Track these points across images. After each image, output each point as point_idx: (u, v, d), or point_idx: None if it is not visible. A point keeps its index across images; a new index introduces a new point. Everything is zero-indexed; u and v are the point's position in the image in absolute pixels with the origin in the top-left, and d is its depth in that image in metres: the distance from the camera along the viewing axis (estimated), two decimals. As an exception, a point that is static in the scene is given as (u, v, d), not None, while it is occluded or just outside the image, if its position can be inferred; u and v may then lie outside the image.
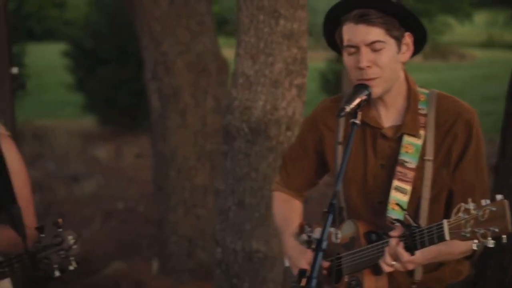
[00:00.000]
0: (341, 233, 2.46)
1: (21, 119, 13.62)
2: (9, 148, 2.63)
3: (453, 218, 2.12)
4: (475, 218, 2.06)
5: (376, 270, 2.36)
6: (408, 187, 2.40)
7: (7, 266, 2.46)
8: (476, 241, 2.06)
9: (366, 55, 2.34)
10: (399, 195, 2.39)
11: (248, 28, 3.73)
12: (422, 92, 2.49)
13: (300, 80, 3.80)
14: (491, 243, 2.05)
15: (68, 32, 18.44)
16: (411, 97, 2.46)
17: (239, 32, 3.80)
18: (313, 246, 2.39)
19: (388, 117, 2.48)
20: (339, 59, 3.00)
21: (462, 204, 2.10)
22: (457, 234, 2.10)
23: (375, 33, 2.34)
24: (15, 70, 5.73)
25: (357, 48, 2.36)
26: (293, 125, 3.78)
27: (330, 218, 2.08)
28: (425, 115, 2.44)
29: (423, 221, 2.39)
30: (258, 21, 3.71)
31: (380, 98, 2.44)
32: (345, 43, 2.38)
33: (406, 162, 2.41)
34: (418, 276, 2.45)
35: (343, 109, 2.26)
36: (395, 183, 2.40)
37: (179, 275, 6.23)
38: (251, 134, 3.75)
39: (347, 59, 2.39)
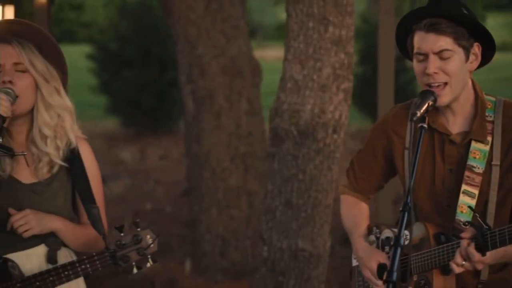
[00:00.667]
0: (412, 235, 2.57)
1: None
2: (86, 151, 2.74)
3: None
4: None
5: (445, 270, 2.46)
6: (475, 191, 2.50)
7: (89, 263, 2.57)
8: None
9: (434, 62, 2.44)
10: (467, 199, 2.50)
11: (297, 34, 3.86)
12: (489, 99, 2.60)
13: (347, 85, 3.92)
14: None
15: (88, 34, 18.62)
16: (478, 105, 2.56)
17: (288, 38, 3.92)
18: (387, 245, 2.53)
19: (456, 124, 2.58)
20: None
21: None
22: None
23: (444, 41, 2.44)
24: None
25: (425, 55, 2.46)
26: (340, 128, 3.90)
27: (406, 216, 2.20)
28: (492, 122, 2.54)
29: (490, 223, 2.48)
30: (308, 28, 3.83)
31: (448, 105, 2.55)
32: (415, 50, 2.49)
33: (474, 167, 2.52)
34: (484, 276, 2.54)
35: (415, 113, 2.37)
36: (464, 187, 2.51)
37: (212, 274, 6.35)
38: (299, 137, 3.88)
39: (416, 66, 2.50)
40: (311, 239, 3.95)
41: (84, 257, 2.57)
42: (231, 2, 6.45)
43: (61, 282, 2.56)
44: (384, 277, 2.07)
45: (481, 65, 2.56)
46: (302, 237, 3.95)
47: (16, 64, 2.57)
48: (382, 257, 2.59)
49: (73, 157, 2.65)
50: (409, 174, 2.29)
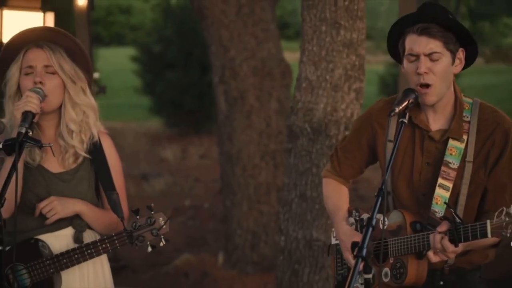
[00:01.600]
0: (389, 221, 2.82)
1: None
2: (108, 144, 3.04)
3: (495, 219, 2.46)
4: None
5: (419, 255, 2.70)
6: (450, 185, 2.73)
7: (109, 242, 2.89)
8: None
9: (424, 63, 2.67)
10: (442, 192, 2.73)
11: (311, 38, 4.12)
12: (467, 101, 2.82)
13: (358, 85, 4.17)
14: None
15: (135, 37, 19.06)
16: (457, 105, 2.78)
17: (303, 41, 4.19)
18: (364, 225, 2.78)
19: (436, 122, 2.80)
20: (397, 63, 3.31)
21: (504, 208, 2.44)
22: (497, 233, 2.45)
23: (434, 44, 2.67)
24: (96, 75, 6.23)
25: (417, 56, 2.70)
26: (351, 125, 4.15)
27: (379, 200, 2.45)
28: (468, 122, 2.76)
29: (460, 213, 2.72)
30: (321, 31, 4.09)
31: (431, 104, 2.79)
32: (407, 51, 2.73)
33: (450, 162, 2.75)
34: (451, 260, 2.78)
35: (394, 109, 2.61)
36: (440, 181, 2.74)
37: (243, 267, 6.64)
38: (312, 133, 4.14)
39: (408, 66, 2.73)
40: (325, 230, 4.20)
41: (105, 237, 2.89)
42: (261, 6, 6.74)
43: (85, 259, 2.88)
44: (355, 253, 2.32)
45: (462, 68, 2.80)
46: (316, 227, 4.20)
47: (46, 66, 2.88)
48: (358, 238, 2.84)
49: (95, 149, 2.97)
50: (385, 165, 2.53)
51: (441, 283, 2.81)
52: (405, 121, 2.63)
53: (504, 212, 2.42)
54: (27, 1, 5.07)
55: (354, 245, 2.33)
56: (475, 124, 2.76)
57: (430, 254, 2.62)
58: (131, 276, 6.93)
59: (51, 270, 2.85)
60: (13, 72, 2.88)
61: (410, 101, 2.65)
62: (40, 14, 5.13)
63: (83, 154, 2.94)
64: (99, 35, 29.30)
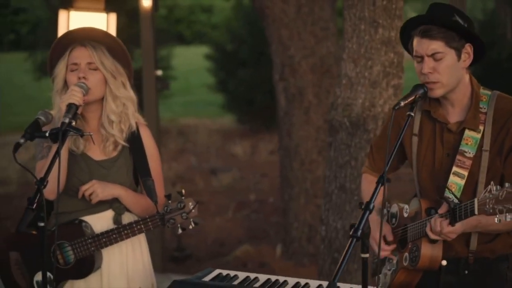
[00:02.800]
0: (410, 208, 2.99)
1: (167, 117, 14.77)
2: (146, 134, 3.32)
3: (481, 196, 2.60)
4: (496, 197, 2.53)
5: (433, 240, 2.87)
6: (465, 173, 2.88)
7: (143, 223, 3.18)
8: (498, 215, 2.53)
9: (428, 63, 2.84)
10: (456, 179, 2.88)
11: (351, 36, 4.30)
12: (485, 93, 2.95)
13: (397, 81, 4.32)
14: (509, 217, 2.52)
15: (211, 36, 19.41)
16: (473, 98, 2.93)
17: (344, 39, 4.38)
18: (393, 217, 2.96)
19: (454, 114, 2.96)
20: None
21: (490, 186, 2.58)
22: (482, 209, 2.58)
23: (436, 45, 2.83)
24: (159, 72, 6.56)
25: (422, 57, 2.87)
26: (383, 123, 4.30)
27: (379, 187, 2.62)
28: (485, 113, 2.91)
29: None
30: (360, 30, 4.27)
31: (447, 98, 2.93)
32: (414, 53, 2.90)
33: (465, 152, 2.89)
34: (473, 246, 2.92)
35: (399, 103, 2.78)
36: (454, 169, 2.89)
37: (300, 259, 6.84)
38: (351, 128, 4.32)
39: (416, 66, 2.90)
40: (363, 220, 4.37)
41: (140, 219, 3.17)
42: (320, 5, 6.92)
43: (122, 239, 3.17)
44: (351, 233, 2.50)
45: (476, 61, 2.93)
46: (354, 218, 4.38)
47: (89, 63, 3.18)
48: (386, 230, 3.02)
49: (133, 138, 3.26)
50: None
51: (466, 272, 2.95)
52: (412, 114, 2.80)
53: (488, 190, 2.56)
54: (92, 3, 5.42)
55: (351, 226, 2.51)
56: (491, 115, 2.90)
57: (428, 231, 2.78)
58: (195, 265, 7.23)
59: (92, 248, 3.15)
60: (60, 68, 3.19)
61: (417, 95, 2.81)
62: (103, 15, 5.47)
63: (122, 142, 3.23)
64: (182, 33, 29.98)
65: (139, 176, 3.27)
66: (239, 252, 7.33)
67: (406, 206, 3.03)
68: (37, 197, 2.74)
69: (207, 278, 2.95)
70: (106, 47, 3.22)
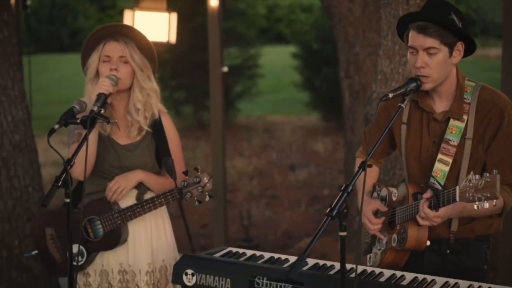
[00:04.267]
0: (398, 193, 3.17)
1: (256, 115, 15.12)
2: (167, 121, 3.66)
3: (462, 185, 2.76)
4: (476, 186, 2.67)
5: (418, 222, 3.03)
6: (449, 160, 3.04)
7: (163, 197, 3.50)
8: (477, 202, 2.68)
9: (422, 58, 3.01)
10: (441, 166, 3.05)
11: (386, 34, 4.46)
12: (469, 85, 3.11)
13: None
14: (486, 205, 2.66)
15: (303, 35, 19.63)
16: (458, 89, 3.09)
17: (380, 36, 4.54)
18: (383, 200, 3.16)
19: (440, 105, 3.13)
20: None
21: (470, 175, 2.73)
22: (463, 197, 2.73)
23: (431, 41, 2.99)
24: (225, 69, 6.87)
25: (416, 50, 3.04)
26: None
27: (360, 171, 2.81)
28: (469, 103, 3.06)
29: (497, 193, 2.96)
30: (395, 28, 4.39)
31: (435, 90, 3.09)
32: (409, 44, 3.08)
33: (450, 140, 3.06)
34: (454, 227, 3.09)
35: (387, 95, 2.96)
36: (439, 156, 3.06)
37: (359, 252, 6.99)
38: (385, 122, 4.47)
39: (410, 57, 3.08)
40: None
41: (160, 194, 3.49)
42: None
43: (145, 212, 3.52)
44: (327, 211, 2.70)
45: (465, 56, 3.09)
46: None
47: (120, 57, 3.53)
48: (376, 204, 3.22)
49: (156, 125, 3.61)
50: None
51: (448, 251, 3.12)
52: (403, 106, 2.97)
53: (469, 178, 2.71)
54: (155, 3, 5.79)
55: (329, 206, 2.71)
56: (474, 105, 3.06)
57: (418, 217, 2.96)
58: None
59: (119, 221, 3.50)
60: (94, 59, 3.54)
61: (408, 89, 2.99)
62: (166, 14, 5.83)
63: (146, 128, 3.55)
64: (281, 33, 30.33)
65: (161, 157, 3.60)
66: (303, 243, 7.55)
67: (394, 190, 3.22)
68: (63, 176, 3.08)
69: (217, 255, 3.23)
70: (135, 43, 3.55)
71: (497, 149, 3.03)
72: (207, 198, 3.47)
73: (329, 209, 2.69)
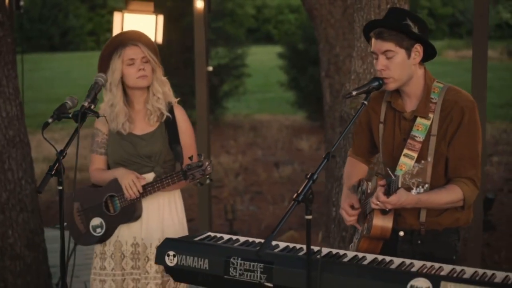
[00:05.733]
0: (371, 185, 3.45)
1: (244, 113, 15.42)
2: (179, 112, 4.04)
3: (403, 173, 3.01)
4: (411, 173, 2.94)
5: (383, 211, 3.31)
6: (414, 154, 3.32)
7: (170, 178, 3.84)
8: (414, 188, 2.94)
9: (381, 61, 3.30)
10: (406, 160, 3.32)
11: (359, 36, 4.76)
12: (438, 86, 3.37)
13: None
14: (422, 190, 2.93)
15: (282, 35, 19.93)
16: (425, 90, 3.38)
17: (354, 39, 4.84)
18: (363, 193, 3.45)
19: (410, 104, 3.40)
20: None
21: (413, 165, 2.99)
22: (404, 183, 2.98)
23: (387, 45, 3.27)
24: (210, 68, 7.16)
25: (377, 54, 3.34)
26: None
27: (325, 161, 3.10)
28: (435, 103, 3.34)
29: (427, 179, 3.24)
30: (366, 30, 4.71)
31: (404, 90, 3.37)
32: (371, 49, 3.37)
33: (416, 136, 3.33)
34: (422, 219, 3.36)
35: (351, 93, 3.26)
36: (405, 151, 3.33)
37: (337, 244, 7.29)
38: (357, 119, 4.78)
39: (374, 62, 3.37)
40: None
41: (168, 175, 3.88)
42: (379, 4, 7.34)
43: (155, 191, 3.90)
44: (294, 197, 2.99)
45: (428, 58, 3.37)
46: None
47: (142, 57, 3.95)
48: (353, 199, 3.50)
49: (170, 113, 4.01)
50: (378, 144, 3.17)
51: (419, 241, 3.40)
52: (365, 103, 3.27)
53: (407, 167, 3.00)
54: (142, 5, 6.07)
55: (297, 193, 2.99)
56: (439, 104, 3.33)
57: (371, 202, 3.25)
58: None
59: (132, 200, 3.90)
60: (117, 65, 3.96)
61: (370, 87, 3.29)
62: (153, 17, 6.11)
63: (166, 113, 4.00)
64: (269, 33, 30.63)
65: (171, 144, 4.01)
66: (285, 237, 7.85)
67: (369, 183, 3.50)
68: (56, 165, 3.37)
69: (197, 238, 3.52)
70: (145, 44, 3.98)
71: (458, 145, 3.31)
72: (208, 181, 3.83)
73: (295, 194, 2.96)
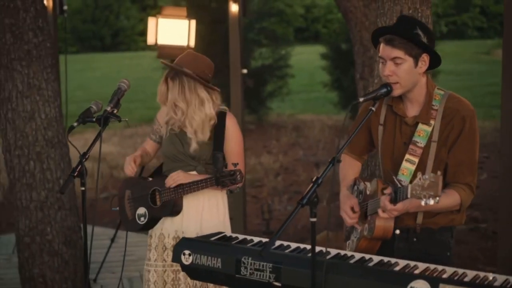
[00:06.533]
0: (370, 187, 3.55)
1: (287, 113, 15.53)
2: (230, 121, 4.15)
3: (413, 183, 3.08)
4: (422, 185, 3.02)
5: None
6: (416, 159, 3.42)
7: (204, 182, 3.98)
8: (423, 199, 3.02)
9: (389, 67, 3.39)
10: (408, 165, 3.42)
11: (382, 40, 4.84)
12: (439, 93, 3.47)
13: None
14: (431, 202, 3.00)
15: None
16: (427, 97, 3.47)
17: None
18: (360, 193, 3.54)
19: (411, 110, 3.50)
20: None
21: (419, 175, 3.06)
22: (413, 194, 3.07)
23: (397, 52, 3.37)
24: (244, 71, 7.31)
25: (385, 60, 3.43)
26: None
27: (330, 166, 3.21)
28: (436, 110, 3.43)
29: (439, 192, 3.30)
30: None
31: (406, 96, 3.47)
32: (379, 54, 3.47)
33: (417, 142, 3.43)
34: (419, 220, 3.47)
35: (358, 100, 3.36)
36: (407, 156, 3.43)
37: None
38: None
39: (380, 66, 3.47)
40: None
41: (202, 179, 4.02)
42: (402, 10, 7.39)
43: (191, 191, 4.04)
44: (298, 200, 3.10)
45: (434, 67, 3.46)
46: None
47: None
48: (353, 202, 3.60)
49: (219, 123, 4.14)
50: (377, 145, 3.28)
51: (415, 239, 3.51)
52: (373, 109, 3.37)
53: (417, 177, 3.09)
54: (176, 11, 6.24)
55: (302, 196, 3.11)
56: (441, 112, 3.43)
57: (379, 211, 3.34)
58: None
59: (172, 195, 4.08)
60: (163, 90, 4.12)
61: (378, 94, 3.38)
62: (186, 21, 6.28)
63: (203, 139, 4.12)
64: (318, 32, 30.65)
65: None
66: (319, 237, 7.93)
67: (368, 185, 3.60)
68: (79, 167, 3.55)
69: (213, 238, 3.66)
70: (192, 67, 4.05)
71: (458, 152, 3.40)
72: (237, 190, 4.05)
73: (301, 198, 3.08)
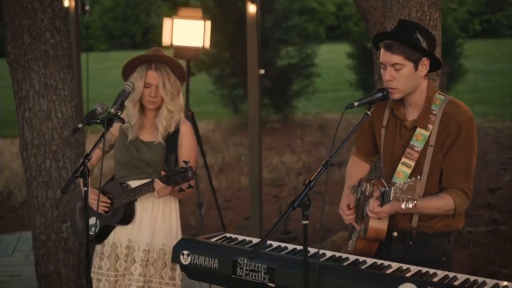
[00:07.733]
0: (368, 189, 3.58)
1: (313, 112, 15.53)
2: (184, 127, 4.24)
3: (395, 186, 3.14)
4: (402, 188, 3.07)
5: None
6: (412, 163, 3.44)
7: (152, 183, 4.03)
8: (404, 203, 3.06)
9: (389, 72, 3.42)
10: (404, 168, 3.45)
11: (390, 43, 4.84)
12: (439, 97, 3.49)
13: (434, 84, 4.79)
14: (410, 205, 3.05)
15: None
16: (426, 101, 3.48)
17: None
18: (362, 194, 3.58)
19: (411, 114, 3.52)
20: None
21: (405, 179, 3.10)
22: (395, 197, 3.12)
23: (396, 58, 3.38)
24: (262, 71, 7.33)
25: (385, 65, 3.45)
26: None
27: (323, 169, 3.24)
28: (435, 115, 3.45)
29: (422, 188, 3.40)
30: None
31: (407, 100, 3.49)
32: (379, 60, 3.49)
33: (415, 146, 3.46)
34: (414, 223, 3.50)
35: (352, 104, 3.39)
36: (403, 159, 3.46)
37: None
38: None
39: (381, 71, 3.49)
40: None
41: (153, 179, 4.06)
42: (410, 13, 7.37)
43: (143, 194, 4.12)
44: (290, 202, 3.15)
45: (434, 70, 3.47)
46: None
47: (157, 87, 4.16)
48: (350, 199, 3.64)
49: (174, 131, 4.22)
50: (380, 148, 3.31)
51: (411, 242, 3.53)
52: (369, 113, 3.40)
53: (398, 182, 3.11)
54: (191, 12, 6.30)
55: (294, 199, 3.15)
56: (439, 117, 3.45)
57: (367, 210, 3.38)
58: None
59: (124, 200, 4.13)
60: (140, 85, 4.17)
61: (373, 98, 3.41)
62: (201, 22, 6.34)
63: (161, 140, 4.19)
64: (350, 30, 30.53)
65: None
66: (336, 237, 7.97)
67: (368, 185, 3.64)
68: (81, 168, 3.63)
69: (213, 239, 3.72)
70: (169, 66, 4.18)
71: (453, 157, 3.42)
72: (191, 188, 3.98)
73: (292, 201, 3.13)
